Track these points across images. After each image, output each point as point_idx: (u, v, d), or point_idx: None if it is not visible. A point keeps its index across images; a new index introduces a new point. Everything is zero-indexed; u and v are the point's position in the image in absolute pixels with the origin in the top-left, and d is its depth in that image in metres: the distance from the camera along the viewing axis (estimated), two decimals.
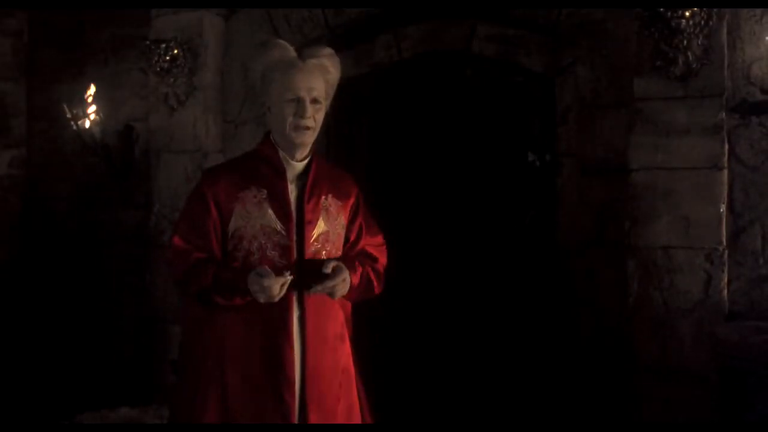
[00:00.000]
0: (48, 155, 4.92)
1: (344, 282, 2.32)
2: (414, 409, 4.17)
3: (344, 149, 4.45)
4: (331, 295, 2.32)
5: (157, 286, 4.23)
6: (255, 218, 2.34)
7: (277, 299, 2.23)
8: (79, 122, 4.45)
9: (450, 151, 4.29)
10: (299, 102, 2.33)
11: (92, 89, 4.40)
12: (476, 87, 4.24)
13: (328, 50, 2.43)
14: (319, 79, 2.37)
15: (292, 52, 2.39)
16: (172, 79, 4.18)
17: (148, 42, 4.20)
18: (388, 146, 4.42)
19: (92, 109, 4.44)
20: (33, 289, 4.86)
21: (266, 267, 2.23)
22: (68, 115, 4.45)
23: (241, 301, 2.30)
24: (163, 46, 4.13)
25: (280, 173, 2.39)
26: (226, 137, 4.28)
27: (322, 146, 4.38)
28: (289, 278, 2.22)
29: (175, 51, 4.13)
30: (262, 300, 2.24)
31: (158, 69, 4.17)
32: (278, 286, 2.21)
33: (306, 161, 2.43)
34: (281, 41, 2.46)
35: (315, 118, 2.37)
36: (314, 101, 2.35)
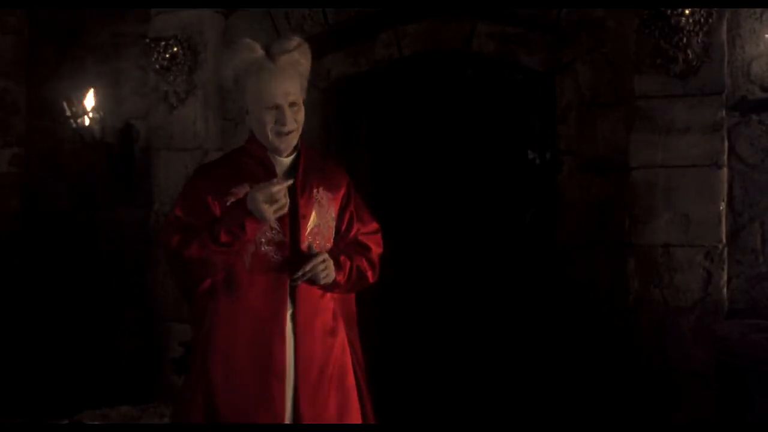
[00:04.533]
0: (48, 153, 4.92)
1: (324, 263, 2.29)
2: (413, 407, 4.17)
3: (344, 147, 4.45)
4: (315, 280, 2.30)
5: (158, 285, 4.23)
6: None
7: (285, 209, 2.22)
8: (79, 120, 4.45)
9: (450, 150, 4.29)
10: (278, 109, 2.31)
11: (92, 91, 4.41)
12: (476, 85, 4.24)
13: (296, 41, 2.38)
14: (294, 78, 2.34)
15: (260, 50, 2.35)
16: (171, 77, 4.18)
17: (147, 40, 4.19)
18: (388, 144, 4.42)
19: (92, 106, 4.44)
20: (33, 288, 4.86)
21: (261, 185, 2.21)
22: (68, 113, 4.45)
23: (242, 234, 2.24)
24: (163, 44, 4.12)
25: (270, 170, 2.39)
26: (226, 135, 4.28)
27: (322, 144, 4.38)
28: (290, 181, 2.23)
29: (175, 49, 4.13)
30: (267, 215, 2.21)
31: (158, 67, 4.17)
32: (284, 191, 2.20)
33: (293, 156, 2.42)
34: (247, 41, 2.40)
35: (296, 119, 2.34)
36: (292, 105, 2.32)
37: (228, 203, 2.33)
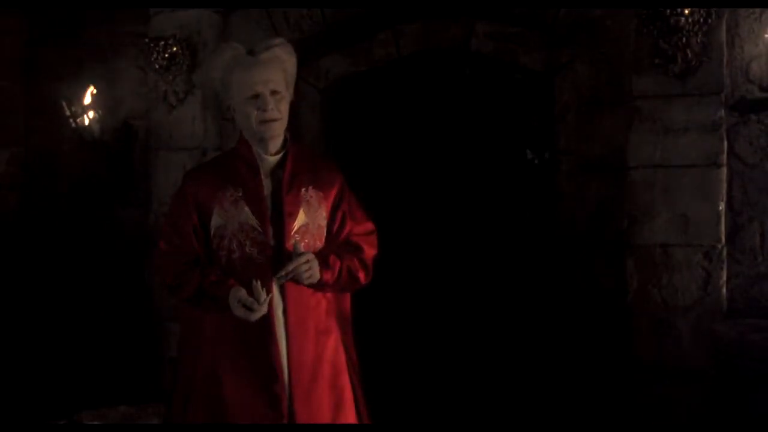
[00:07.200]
0: (46, 153, 4.91)
1: (308, 263, 2.31)
2: (411, 406, 4.17)
3: (343, 147, 4.45)
4: (298, 279, 2.32)
5: (157, 285, 4.23)
6: (233, 216, 2.36)
7: (261, 313, 2.28)
8: (78, 120, 4.44)
9: (449, 150, 4.29)
10: (259, 97, 2.35)
11: (91, 90, 4.41)
12: (475, 85, 4.24)
13: (278, 40, 2.46)
14: (276, 70, 2.38)
15: (242, 50, 2.42)
16: (171, 77, 4.17)
17: (146, 40, 4.19)
18: (386, 144, 4.42)
19: (91, 106, 4.44)
20: (32, 288, 4.86)
21: (243, 293, 2.26)
22: (67, 113, 4.45)
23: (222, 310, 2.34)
24: (162, 43, 4.12)
25: (254, 170, 2.41)
26: (225, 134, 4.28)
27: (321, 144, 4.38)
28: (269, 296, 2.28)
29: (174, 48, 4.13)
30: (242, 316, 2.28)
31: (157, 66, 4.16)
32: (264, 310, 2.26)
33: (281, 154, 2.44)
34: (231, 43, 2.49)
35: (279, 109, 2.38)
36: (274, 93, 2.36)
37: (213, 209, 2.37)
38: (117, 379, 4.46)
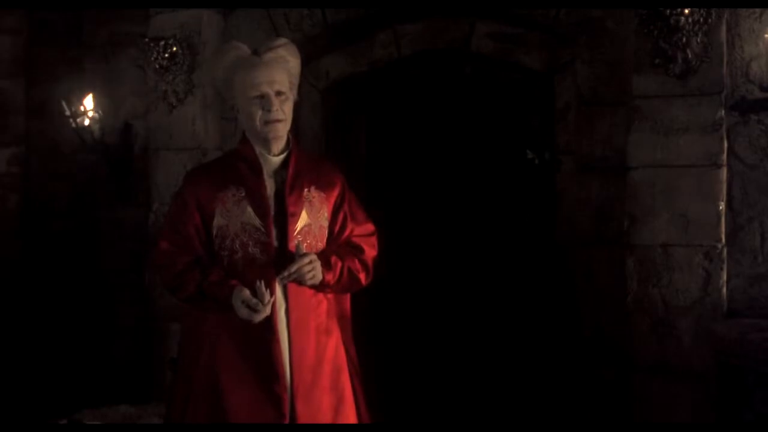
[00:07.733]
0: (47, 153, 4.92)
1: (310, 264, 2.32)
2: (412, 407, 4.17)
3: (343, 147, 4.45)
4: (301, 280, 2.32)
5: (157, 285, 4.22)
6: (235, 217, 2.37)
7: (264, 315, 2.29)
8: (78, 120, 4.45)
9: (449, 149, 4.29)
10: (264, 97, 2.35)
11: (91, 90, 4.42)
12: (475, 85, 4.24)
13: (283, 40, 2.46)
14: (280, 70, 2.38)
15: (247, 50, 2.42)
16: (171, 77, 4.18)
17: (147, 39, 4.19)
18: (386, 144, 4.42)
19: (91, 106, 4.44)
20: (32, 288, 4.86)
21: (247, 293, 2.27)
22: (67, 113, 4.45)
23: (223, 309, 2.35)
24: (162, 43, 4.12)
25: (257, 170, 2.42)
26: (225, 134, 4.28)
27: (321, 144, 4.38)
28: (273, 297, 2.28)
29: (174, 48, 4.13)
30: (244, 316, 2.28)
31: (157, 66, 4.17)
32: (268, 312, 2.27)
33: (284, 155, 2.44)
34: (235, 43, 2.49)
35: (283, 110, 2.38)
36: (278, 93, 2.37)
37: (215, 210, 2.38)
38: (117, 379, 4.46)
